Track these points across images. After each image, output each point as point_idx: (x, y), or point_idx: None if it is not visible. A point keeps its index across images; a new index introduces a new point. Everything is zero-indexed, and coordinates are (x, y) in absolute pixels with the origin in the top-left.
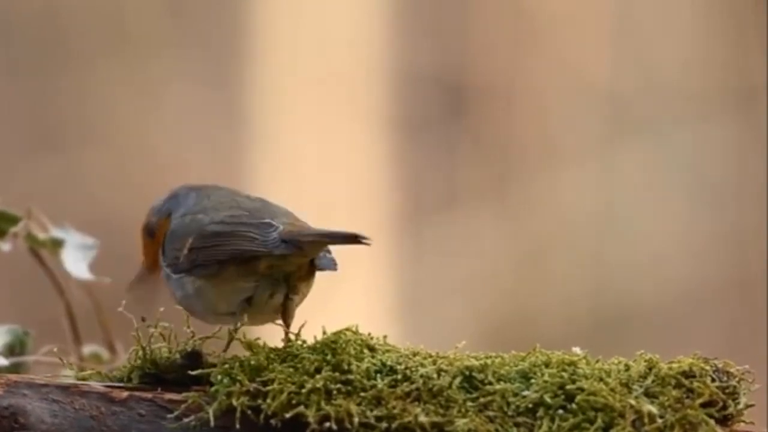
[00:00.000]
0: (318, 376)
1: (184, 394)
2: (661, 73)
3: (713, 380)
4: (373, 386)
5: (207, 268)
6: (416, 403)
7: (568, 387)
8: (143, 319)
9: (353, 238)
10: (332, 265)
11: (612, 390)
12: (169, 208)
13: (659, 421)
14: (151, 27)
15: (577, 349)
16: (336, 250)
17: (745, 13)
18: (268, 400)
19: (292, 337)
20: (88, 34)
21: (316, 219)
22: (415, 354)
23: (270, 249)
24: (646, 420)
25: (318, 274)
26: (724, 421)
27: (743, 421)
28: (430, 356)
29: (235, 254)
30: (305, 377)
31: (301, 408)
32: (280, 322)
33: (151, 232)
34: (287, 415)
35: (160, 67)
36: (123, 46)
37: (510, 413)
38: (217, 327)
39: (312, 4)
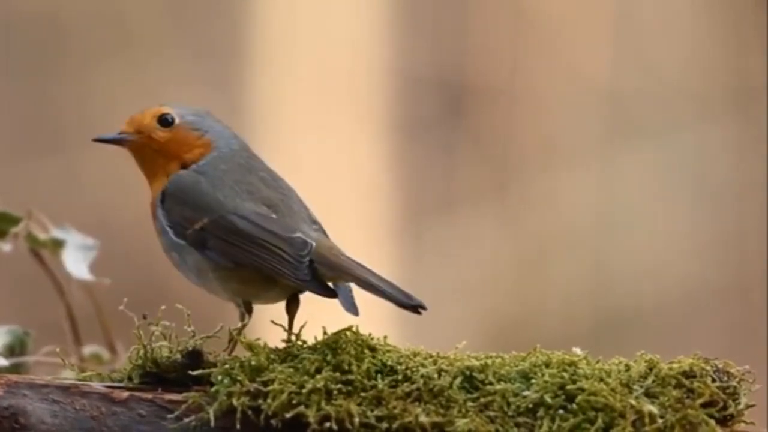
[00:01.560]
0: (318, 377)
1: (184, 395)
2: (661, 73)
3: (714, 380)
4: (374, 386)
5: (218, 259)
6: (417, 403)
7: (568, 387)
8: (144, 317)
9: (408, 306)
10: (353, 309)
11: (612, 390)
12: (195, 122)
13: (660, 421)
14: (151, 27)
15: (577, 350)
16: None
17: (745, 13)
18: (269, 401)
19: (293, 337)
20: (88, 35)
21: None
22: (415, 354)
23: (301, 284)
24: (646, 420)
25: None
26: (724, 421)
27: (743, 422)
28: (431, 356)
29: (262, 269)
30: (306, 377)
31: (302, 408)
32: (280, 322)
33: (167, 122)
34: (288, 416)
35: (160, 67)
36: (123, 47)
37: (510, 413)
38: (218, 326)
39: (312, 4)
